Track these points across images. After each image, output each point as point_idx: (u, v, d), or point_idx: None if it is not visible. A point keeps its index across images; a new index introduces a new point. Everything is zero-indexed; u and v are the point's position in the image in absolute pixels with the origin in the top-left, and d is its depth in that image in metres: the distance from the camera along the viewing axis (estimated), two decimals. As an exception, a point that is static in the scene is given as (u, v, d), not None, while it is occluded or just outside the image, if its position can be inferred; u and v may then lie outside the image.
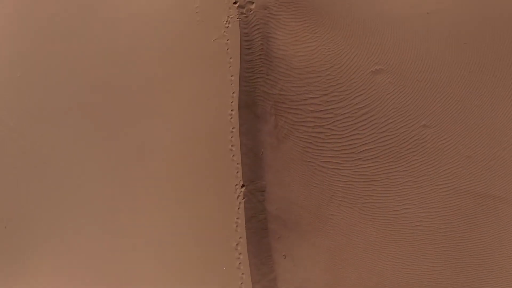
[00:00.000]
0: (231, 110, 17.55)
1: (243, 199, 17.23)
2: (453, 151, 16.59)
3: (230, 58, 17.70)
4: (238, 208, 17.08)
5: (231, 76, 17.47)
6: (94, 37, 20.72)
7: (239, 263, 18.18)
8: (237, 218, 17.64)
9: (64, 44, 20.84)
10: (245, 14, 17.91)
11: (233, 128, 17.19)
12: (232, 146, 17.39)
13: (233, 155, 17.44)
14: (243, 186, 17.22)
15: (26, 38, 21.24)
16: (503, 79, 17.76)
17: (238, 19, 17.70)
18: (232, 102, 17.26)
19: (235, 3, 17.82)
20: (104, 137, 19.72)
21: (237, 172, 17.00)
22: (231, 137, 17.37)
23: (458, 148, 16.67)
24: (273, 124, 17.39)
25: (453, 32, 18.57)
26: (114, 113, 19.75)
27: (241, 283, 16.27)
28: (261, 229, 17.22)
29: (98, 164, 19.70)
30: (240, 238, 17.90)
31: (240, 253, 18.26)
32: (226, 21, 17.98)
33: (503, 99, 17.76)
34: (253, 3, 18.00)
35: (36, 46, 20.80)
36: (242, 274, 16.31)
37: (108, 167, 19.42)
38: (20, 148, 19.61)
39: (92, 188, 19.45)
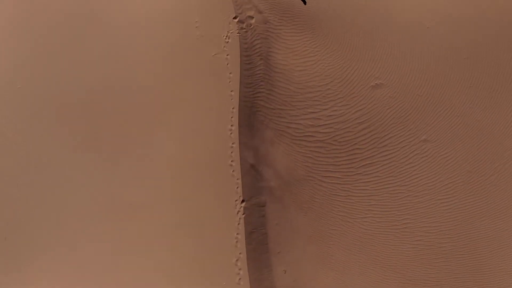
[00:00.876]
0: (231, 126, 18.40)
1: (243, 214, 18.06)
2: (454, 165, 17.29)
3: (230, 73, 18.55)
4: (238, 224, 17.92)
5: (231, 91, 18.32)
6: (93, 51, 21.63)
7: (239, 279, 19.00)
8: (237, 234, 18.44)
9: (64, 55, 21.74)
10: (245, 29, 18.78)
11: (233, 144, 18.06)
12: (232, 161, 18.24)
13: (233, 171, 18.29)
14: (243, 201, 18.07)
15: (26, 49, 22.17)
16: (505, 93, 18.53)
17: (238, 34, 18.53)
18: (232, 117, 18.07)
19: (235, 18, 18.70)
20: (105, 151, 20.59)
21: (237, 188, 17.86)
22: (231, 152, 18.22)
23: (458, 162, 17.37)
24: (273, 139, 18.16)
25: (453, 46, 19.37)
26: (115, 125, 20.65)
27: (242, 298, 16.99)
28: (261, 244, 18.02)
29: (97, 179, 20.51)
30: (240, 253, 18.68)
31: (240, 269, 19.06)
32: (226, 36, 18.81)
33: (504, 113, 18.51)
34: (253, 18, 18.94)
35: (36, 57, 21.73)
36: (243, 289, 17.01)
37: (108, 182, 20.28)
38: (19, 160, 20.48)
39: (91, 203, 20.27)
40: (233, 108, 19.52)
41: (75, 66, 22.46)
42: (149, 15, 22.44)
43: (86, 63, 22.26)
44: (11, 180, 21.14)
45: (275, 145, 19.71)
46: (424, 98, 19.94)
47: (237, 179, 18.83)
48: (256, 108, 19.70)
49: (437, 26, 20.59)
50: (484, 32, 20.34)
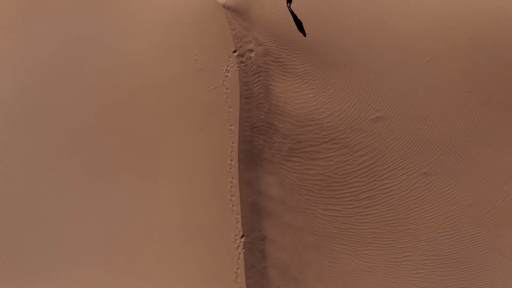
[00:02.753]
0: (231, 160, 20.42)
1: (243, 249, 19.84)
2: (454, 199, 19.27)
3: (230, 107, 20.65)
4: (238, 258, 19.78)
5: (231, 125, 20.41)
6: (93, 79, 23.44)
7: (240, 315, 20.50)
8: (237, 268, 20.25)
9: (63, 83, 23.81)
10: (244, 62, 20.87)
11: (232, 178, 20.04)
12: (231, 196, 20.22)
13: (232, 205, 20.23)
14: (243, 236, 19.90)
15: (25, 75, 24.26)
16: (506, 127, 20.19)
17: (237, 68, 20.47)
18: (231, 152, 20.17)
19: (234, 51, 20.66)
20: (103, 183, 22.38)
21: (237, 223, 19.81)
22: (231, 187, 20.20)
23: (459, 196, 19.34)
24: (273, 172, 19.89)
25: (454, 79, 21.16)
26: (113, 157, 22.48)
27: (243, 335, 18.71)
28: (261, 279, 19.86)
29: (96, 208, 22.29)
30: (240, 288, 20.25)
31: (240, 304, 20.60)
32: (226, 70, 20.89)
33: (505, 146, 20.26)
34: (252, 51, 20.99)
35: (35, 84, 23.86)
36: (243, 326, 18.75)
37: (107, 213, 22.04)
38: (18, 186, 22.54)
39: (89, 232, 22.07)
40: (232, 143, 21.41)
41: (75, 94, 24.69)
42: (149, 44, 24.19)
43: (86, 90, 24.13)
44: (9, 206, 23.44)
45: (275, 179, 21.36)
46: (425, 131, 21.62)
47: (237, 214, 20.69)
48: (256, 142, 21.51)
49: (438, 59, 22.34)
50: (484, 65, 21.94)
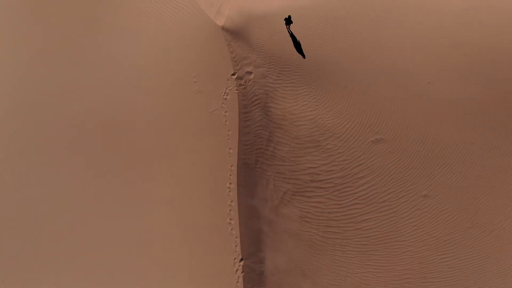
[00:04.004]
0: (230, 183, 21.64)
1: (241, 272, 20.84)
2: (454, 221, 20.51)
3: (228, 130, 21.92)
4: (237, 282, 20.90)
5: (229, 149, 21.71)
6: (91, 99, 24.53)
7: (240, 338, 21.47)
8: (236, 292, 21.25)
9: (64, 99, 24.65)
10: (243, 85, 22.11)
11: (231, 202, 21.27)
12: (230, 219, 21.41)
13: (231, 229, 21.41)
14: (242, 259, 20.93)
15: (24, 92, 25.24)
16: (506, 149, 20.95)
17: (236, 91, 21.50)
18: (230, 175, 21.42)
19: (233, 74, 21.68)
20: (101, 202, 23.37)
21: (236, 246, 20.84)
22: (230, 210, 21.43)
23: (459, 218, 20.57)
24: (272, 195, 20.83)
25: (453, 102, 21.91)
26: (112, 178, 23.37)
27: None
28: (260, 301, 20.89)
29: (95, 226, 23.41)
30: (239, 312, 21.26)
31: (240, 327, 21.56)
32: (225, 93, 22.16)
33: (505, 169, 21.09)
34: (251, 73, 22.07)
35: (34, 100, 24.80)
36: None
37: (106, 232, 23.07)
38: (16, 203, 23.68)
39: (88, 249, 23.22)
40: (231, 166, 22.40)
41: (75, 110, 25.67)
42: (149, 65, 25.36)
43: (85, 108, 24.89)
44: (6, 223, 25.35)
45: (274, 202, 22.17)
46: (424, 153, 22.53)
47: (236, 237, 21.69)
48: (254, 165, 22.52)
49: (438, 81, 23.22)
50: (484, 88, 22.65)
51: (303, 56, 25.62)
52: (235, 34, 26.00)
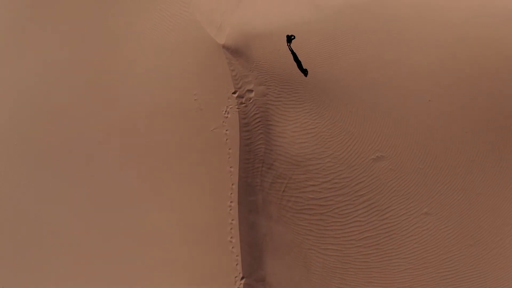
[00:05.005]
0: (231, 202, 22.71)
1: (243, 291, 21.97)
2: (455, 239, 21.59)
3: (229, 149, 23.07)
4: (239, 302, 21.90)
5: (230, 167, 22.74)
6: (90, 120, 25.58)
7: None
8: (237, 311, 22.19)
9: (63, 114, 25.95)
10: (244, 103, 23.21)
11: (232, 220, 22.31)
12: (231, 238, 22.41)
13: (232, 247, 22.39)
14: (242, 278, 21.82)
15: (23, 107, 26.32)
16: (507, 167, 21.74)
17: (237, 110, 22.46)
18: (231, 193, 22.48)
19: (234, 93, 22.68)
20: (99, 219, 24.46)
21: (237, 264, 21.83)
22: (231, 228, 22.45)
23: (460, 236, 21.63)
24: (273, 213, 21.72)
25: (454, 120, 22.71)
26: (110, 196, 24.53)
27: None
28: (262, 321, 21.82)
29: (94, 242, 24.52)
30: (240, 331, 22.23)
31: None
32: (225, 111, 23.27)
33: (506, 187, 21.98)
34: (252, 91, 23.12)
35: (34, 115, 26.17)
36: None
37: (106, 248, 24.06)
38: (16, 215, 24.94)
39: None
40: (232, 185, 23.46)
41: (74, 125, 28.03)
42: (149, 81, 26.41)
43: (84, 123, 25.91)
44: (7, 236, 26.54)
45: (275, 220, 23.27)
46: (426, 171, 23.55)
47: (237, 255, 22.76)
48: (255, 183, 23.59)
49: (439, 99, 24.25)
50: (485, 106, 23.49)
51: (304, 73, 26.62)
52: (236, 52, 27.29)
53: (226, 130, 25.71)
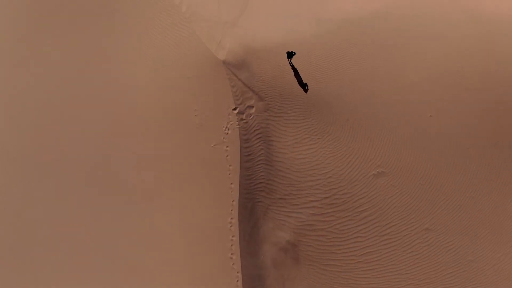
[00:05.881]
0: (231, 218, 23.69)
1: (244, 308, 22.84)
2: (456, 255, 22.63)
3: (230, 165, 24.09)
4: (240, 319, 22.76)
5: (231, 183, 23.75)
6: (91, 128, 26.32)
7: None
8: (238, 327, 23.05)
9: (63, 127, 27.33)
10: (245, 119, 24.25)
11: (233, 237, 23.26)
12: (232, 254, 23.39)
13: (233, 264, 23.36)
14: None
15: (23, 122, 27.94)
16: (508, 182, 22.48)
17: (238, 126, 23.32)
18: (231, 210, 23.53)
19: (234, 109, 23.54)
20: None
21: (237, 281, 22.50)
22: (231, 245, 23.36)
23: (461, 252, 22.63)
24: (274, 230, 22.52)
25: (455, 136, 23.51)
26: (108, 213, 25.36)
27: None
28: (263, 338, 22.73)
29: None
30: None
31: None
32: (226, 128, 24.35)
33: (507, 203, 22.59)
34: (253, 107, 24.05)
35: (34, 129, 28.04)
36: None
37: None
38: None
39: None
40: (233, 201, 24.39)
41: (73, 138, 28.69)
42: (149, 97, 27.14)
43: (83, 138, 26.78)
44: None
45: (276, 236, 24.11)
46: (426, 187, 24.49)
47: (237, 272, 23.73)
48: (256, 199, 24.58)
49: (439, 115, 25.24)
50: (486, 121, 24.22)
51: (304, 89, 27.58)
52: (236, 67, 28.35)
53: (227, 147, 26.50)
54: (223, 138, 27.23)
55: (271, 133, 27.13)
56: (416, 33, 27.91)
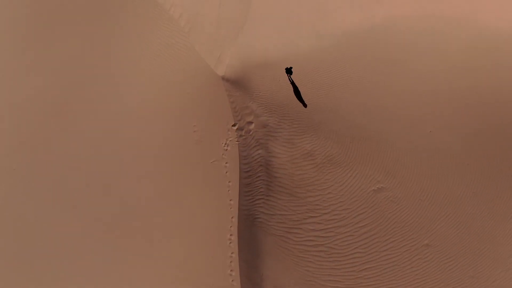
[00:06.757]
0: (230, 235, 24.59)
1: (242, 324, 23.55)
2: (456, 271, 23.68)
3: (229, 181, 24.96)
4: (239, 333, 23.53)
5: (230, 200, 24.70)
6: (93, 143, 27.14)
7: None
8: None
9: (60, 142, 28.57)
10: (244, 136, 25.20)
11: (232, 253, 24.16)
12: (231, 271, 24.28)
13: (232, 280, 24.16)
14: None
15: (22, 133, 28.77)
16: (508, 199, 23.14)
17: (237, 142, 24.04)
18: (231, 226, 24.45)
19: (234, 125, 24.30)
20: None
21: (237, 298, 23.55)
22: (231, 262, 24.32)
23: (461, 268, 23.73)
24: (274, 246, 23.22)
25: (454, 151, 24.15)
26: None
27: None
28: None
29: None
30: None
31: None
32: (225, 144, 25.38)
33: (507, 220, 23.42)
34: (252, 123, 24.77)
35: (32, 142, 28.73)
36: None
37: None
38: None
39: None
40: (232, 218, 25.17)
41: (72, 151, 29.48)
42: (149, 111, 27.99)
43: (82, 149, 27.73)
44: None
45: (276, 252, 24.78)
46: (426, 203, 25.33)
47: (237, 288, 24.25)
48: (256, 216, 25.42)
49: (439, 131, 26.13)
50: (485, 138, 24.99)
51: (304, 104, 28.30)
52: (235, 83, 29.26)
53: (226, 163, 27.27)
54: (222, 154, 28.05)
55: (270, 149, 27.93)
56: (417, 48, 28.48)
